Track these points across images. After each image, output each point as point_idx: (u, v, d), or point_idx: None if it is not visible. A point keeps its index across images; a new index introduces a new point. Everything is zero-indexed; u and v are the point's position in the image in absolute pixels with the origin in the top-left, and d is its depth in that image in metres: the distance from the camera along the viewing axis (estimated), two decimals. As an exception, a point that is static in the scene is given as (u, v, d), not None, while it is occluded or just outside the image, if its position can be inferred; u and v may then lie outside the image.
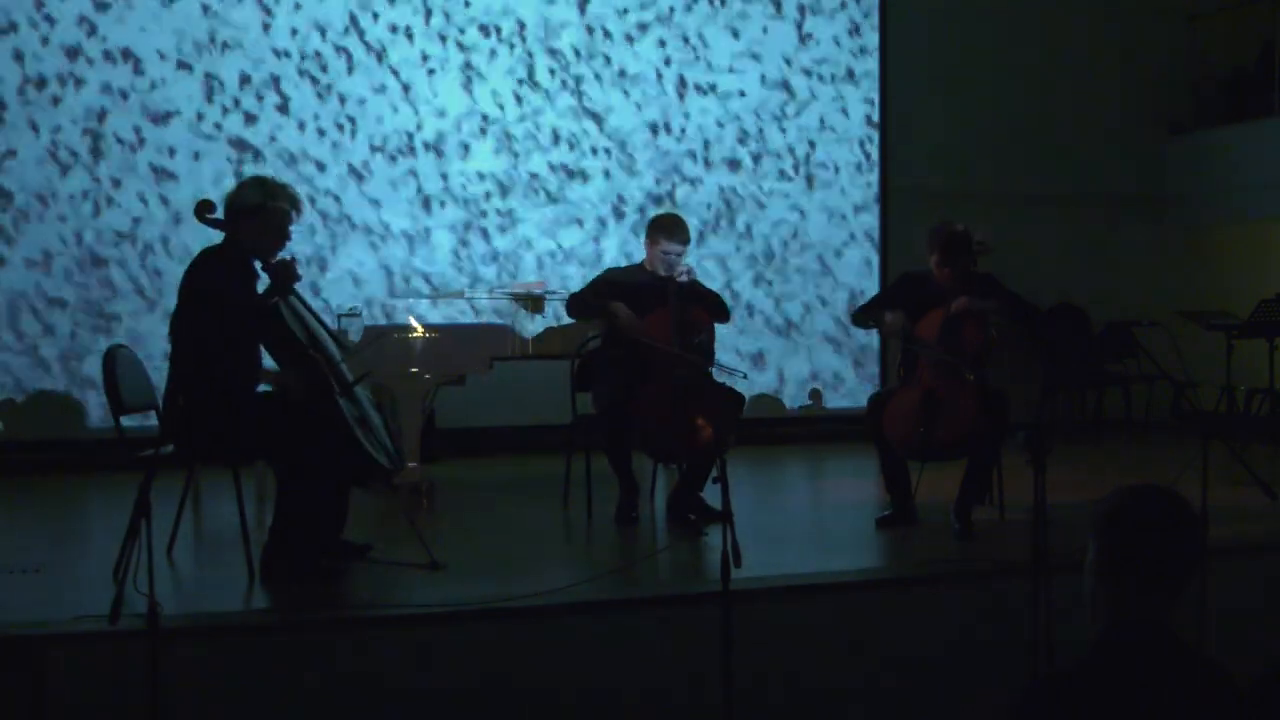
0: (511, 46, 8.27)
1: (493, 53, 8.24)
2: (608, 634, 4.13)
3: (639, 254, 6.23)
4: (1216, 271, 9.88)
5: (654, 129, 8.61)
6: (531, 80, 8.31)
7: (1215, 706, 2.10)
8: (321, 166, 7.89)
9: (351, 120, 7.95)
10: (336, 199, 7.93)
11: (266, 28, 7.79)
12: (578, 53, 8.42)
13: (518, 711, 3.95)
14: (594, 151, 8.46)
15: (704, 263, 8.68)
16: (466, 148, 8.18)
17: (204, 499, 6.06)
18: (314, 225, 7.79)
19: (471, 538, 5.41)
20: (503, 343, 6.27)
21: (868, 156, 9.17)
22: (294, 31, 7.84)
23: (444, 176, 8.13)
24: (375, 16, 7.99)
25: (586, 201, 8.43)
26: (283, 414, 4.49)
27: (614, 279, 5.84)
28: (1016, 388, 5.82)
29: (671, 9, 8.63)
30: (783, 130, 8.94)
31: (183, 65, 7.63)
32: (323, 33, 7.90)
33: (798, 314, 9.00)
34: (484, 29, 8.21)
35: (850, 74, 9.11)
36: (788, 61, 8.94)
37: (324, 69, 7.89)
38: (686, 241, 5.75)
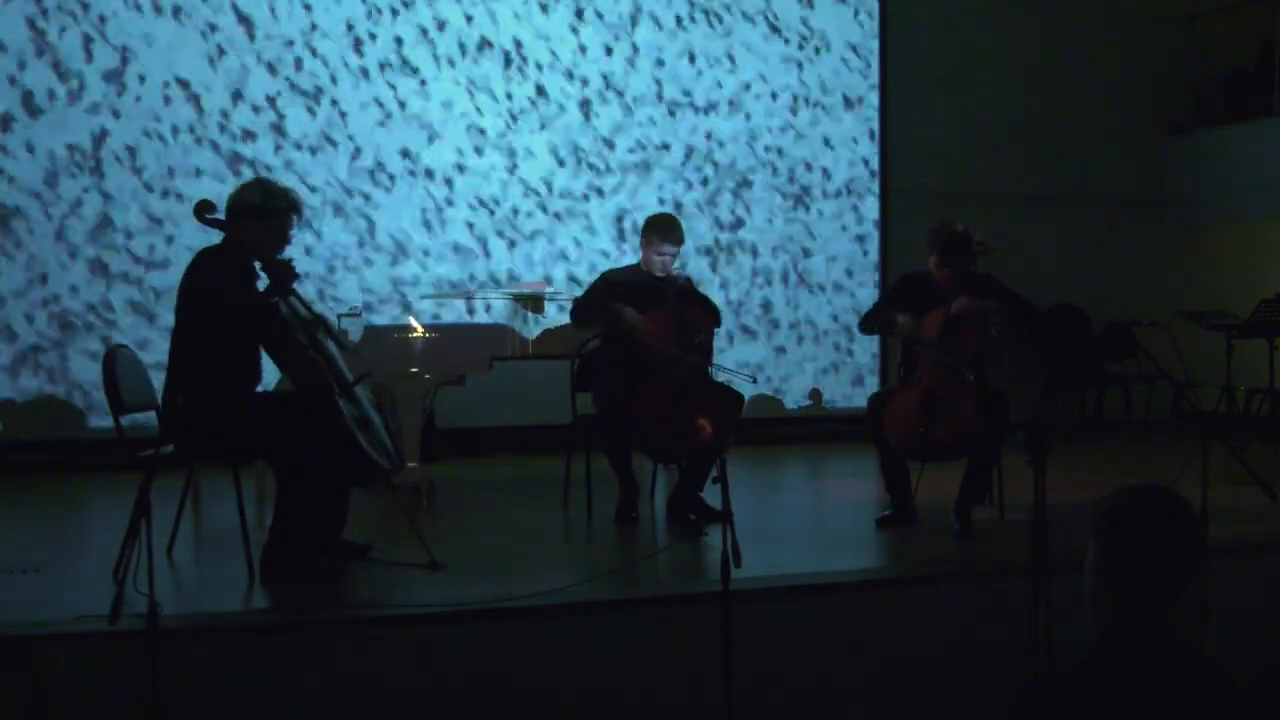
0: (509, 63, 8.27)
1: (490, 65, 8.26)
2: (608, 634, 4.13)
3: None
4: (1216, 271, 9.88)
5: (654, 127, 8.61)
6: (535, 97, 8.32)
7: (1215, 706, 2.10)
8: (320, 168, 7.91)
9: (349, 128, 7.97)
10: (337, 200, 7.94)
11: (270, 38, 7.82)
12: (572, 75, 8.43)
13: (518, 711, 3.95)
14: (593, 158, 8.47)
15: (704, 263, 8.71)
16: (462, 162, 8.19)
17: (204, 499, 6.05)
18: (314, 226, 7.80)
19: (471, 538, 5.41)
20: (503, 343, 6.27)
21: (868, 157, 9.17)
22: (289, 43, 7.86)
23: (448, 182, 8.14)
24: (373, 38, 8.00)
25: (589, 214, 8.44)
26: (283, 414, 4.49)
27: (613, 279, 5.84)
28: (1016, 388, 5.82)
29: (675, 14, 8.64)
30: (782, 130, 8.94)
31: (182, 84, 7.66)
32: (313, 51, 7.91)
33: (798, 313, 9.00)
34: (482, 45, 8.22)
35: (850, 74, 9.11)
36: (787, 61, 8.95)
37: (321, 81, 7.90)
38: (681, 241, 5.76)
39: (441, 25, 8.13)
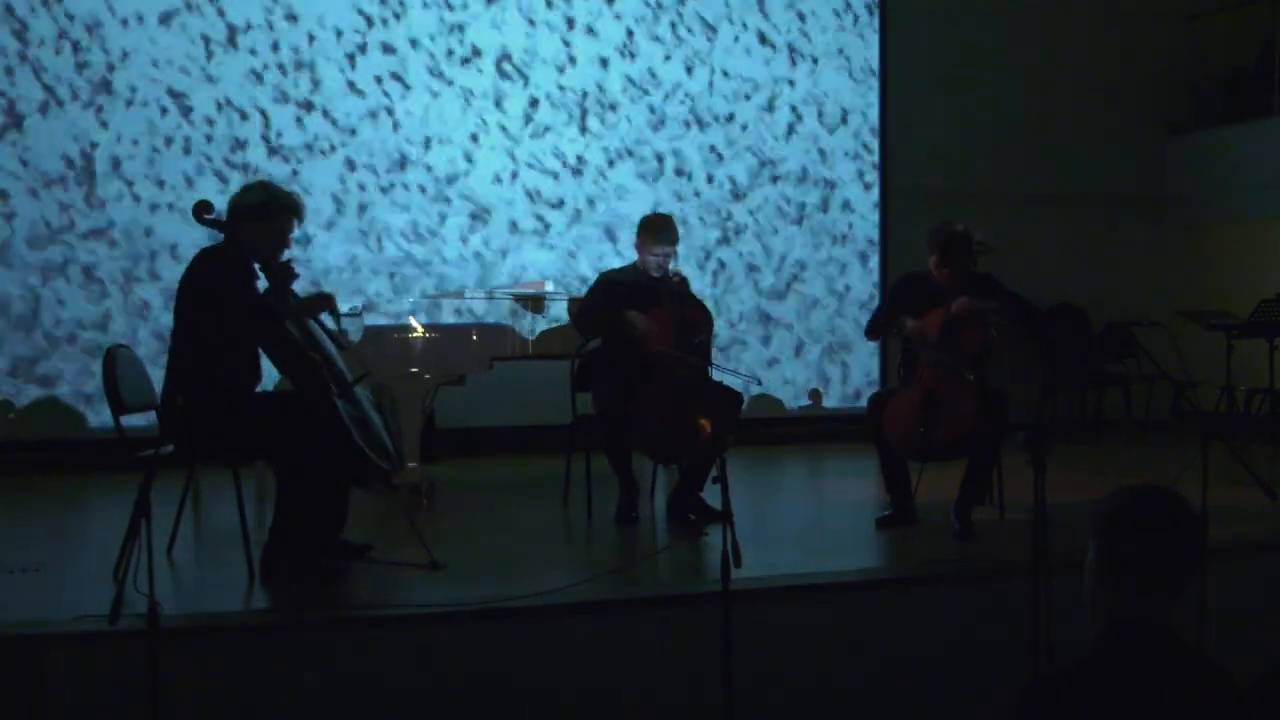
0: (503, 76, 8.27)
1: (489, 76, 8.26)
2: (608, 634, 4.13)
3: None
4: (1216, 271, 9.88)
5: (655, 128, 8.62)
6: (529, 107, 8.33)
7: (1215, 706, 2.10)
8: (323, 171, 7.91)
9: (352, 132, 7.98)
10: (333, 204, 7.94)
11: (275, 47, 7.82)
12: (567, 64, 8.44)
13: (518, 711, 3.95)
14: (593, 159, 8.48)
15: (704, 262, 8.71)
16: (467, 163, 8.19)
17: (204, 499, 6.06)
18: (310, 231, 7.80)
19: (471, 538, 5.41)
20: (503, 343, 6.27)
21: (868, 157, 9.17)
22: (291, 48, 7.86)
23: (448, 181, 8.14)
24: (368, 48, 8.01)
25: (588, 219, 8.45)
26: (283, 414, 4.49)
27: (612, 279, 5.84)
28: (1016, 388, 5.83)
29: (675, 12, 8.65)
30: (782, 130, 8.94)
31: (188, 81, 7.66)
32: (308, 66, 7.91)
33: (797, 313, 9.00)
34: (474, 54, 8.22)
35: (851, 74, 9.11)
36: (787, 62, 8.94)
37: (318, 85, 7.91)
38: (675, 241, 5.75)
39: (433, 36, 8.13)
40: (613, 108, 8.50)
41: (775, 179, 8.92)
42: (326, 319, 4.72)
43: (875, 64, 9.17)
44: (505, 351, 6.27)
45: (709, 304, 6.27)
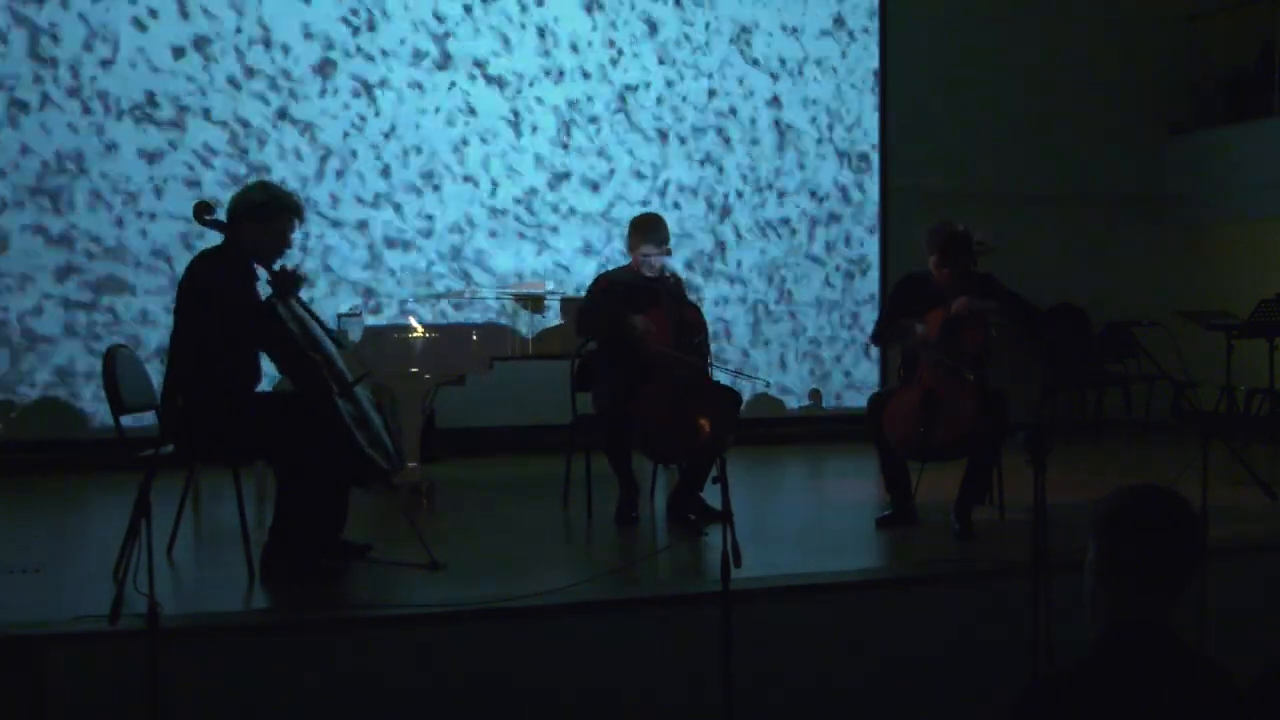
0: (502, 86, 8.28)
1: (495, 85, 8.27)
2: (608, 634, 4.12)
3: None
4: (1216, 271, 9.88)
5: (660, 134, 8.61)
6: (526, 120, 8.34)
7: (1215, 706, 2.10)
8: (328, 170, 7.91)
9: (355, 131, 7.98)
10: (333, 204, 7.94)
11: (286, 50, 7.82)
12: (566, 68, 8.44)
13: (518, 711, 3.95)
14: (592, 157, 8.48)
15: (703, 261, 8.71)
16: (457, 171, 8.20)
17: (204, 499, 6.05)
18: (315, 225, 7.81)
19: (471, 538, 5.41)
20: (503, 343, 6.28)
21: (867, 157, 9.17)
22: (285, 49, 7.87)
23: (441, 185, 8.15)
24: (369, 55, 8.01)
25: (588, 221, 8.45)
26: (283, 414, 4.49)
27: (609, 280, 5.84)
28: (1016, 388, 5.82)
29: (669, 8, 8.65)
30: (782, 129, 8.94)
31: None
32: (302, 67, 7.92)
33: (798, 313, 9.00)
34: (479, 66, 8.24)
35: (851, 74, 9.11)
36: (785, 60, 8.95)
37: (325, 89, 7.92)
38: (667, 240, 5.75)
39: (432, 37, 8.14)
40: (613, 109, 8.51)
41: (774, 177, 8.92)
42: (330, 327, 4.73)
43: (875, 64, 9.17)
44: (505, 351, 6.27)
45: (706, 306, 6.27)
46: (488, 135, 8.23)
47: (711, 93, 8.75)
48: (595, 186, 8.47)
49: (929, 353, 5.36)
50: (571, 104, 8.42)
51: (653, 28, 8.60)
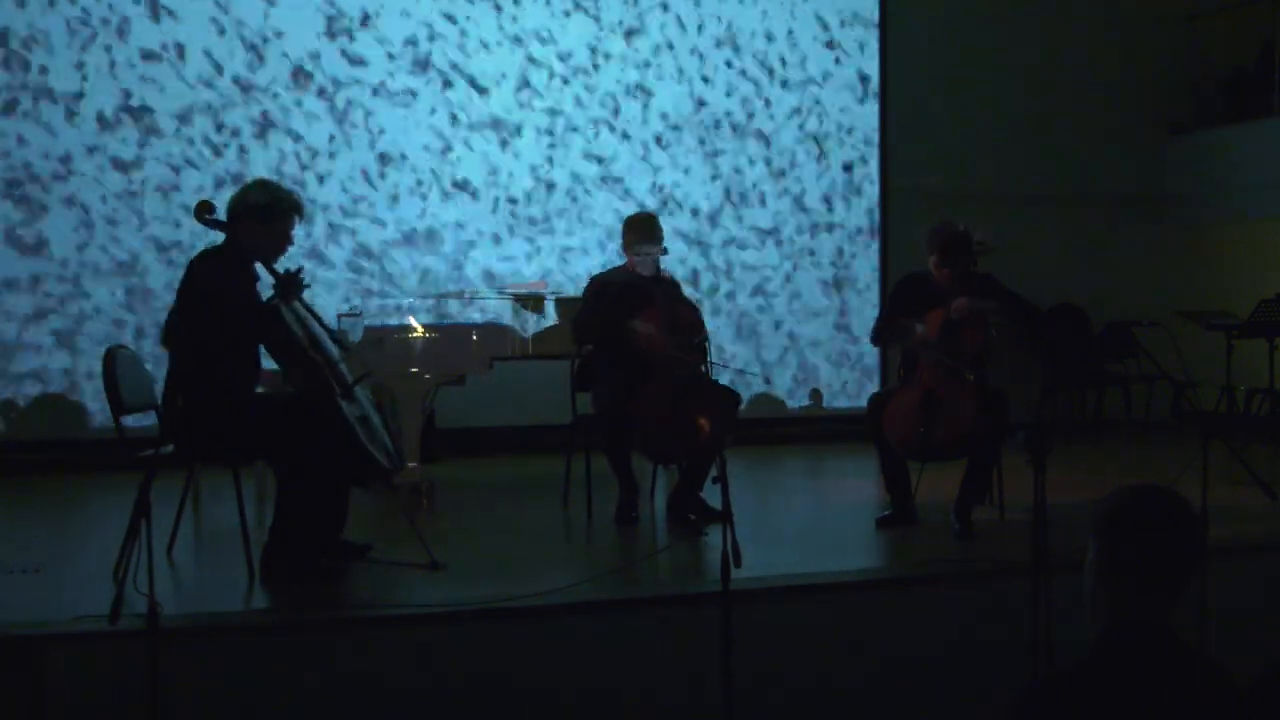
0: (488, 90, 8.29)
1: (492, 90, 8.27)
2: (608, 634, 4.13)
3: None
4: (1216, 271, 9.88)
5: (659, 138, 8.62)
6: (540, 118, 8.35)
7: (1215, 706, 2.10)
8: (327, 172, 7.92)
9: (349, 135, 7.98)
10: (332, 204, 7.95)
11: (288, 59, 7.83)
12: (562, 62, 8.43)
13: (518, 711, 3.95)
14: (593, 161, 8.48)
15: (705, 263, 8.71)
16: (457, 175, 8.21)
17: (204, 499, 6.06)
18: (317, 224, 7.81)
19: (471, 538, 5.41)
20: (503, 343, 6.27)
21: (867, 157, 9.17)
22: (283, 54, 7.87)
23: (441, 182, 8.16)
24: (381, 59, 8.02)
25: (588, 223, 8.45)
26: (283, 414, 4.49)
27: (605, 281, 5.83)
28: (1016, 388, 5.82)
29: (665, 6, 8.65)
30: (782, 130, 8.94)
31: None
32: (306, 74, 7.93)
33: (797, 313, 9.00)
34: (485, 74, 8.24)
35: (850, 74, 9.11)
36: (785, 60, 8.95)
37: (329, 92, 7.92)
38: (661, 239, 5.75)
39: (434, 37, 8.14)
40: (609, 112, 8.51)
41: (773, 176, 8.92)
42: (331, 328, 4.73)
43: (876, 64, 9.17)
44: (505, 351, 6.27)
45: (705, 307, 6.26)
46: (477, 140, 8.23)
47: (701, 102, 8.75)
48: (591, 191, 8.47)
49: (929, 353, 5.36)
50: (570, 107, 8.41)
51: (647, 29, 8.60)
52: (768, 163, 8.90)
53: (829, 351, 9.08)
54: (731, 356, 8.56)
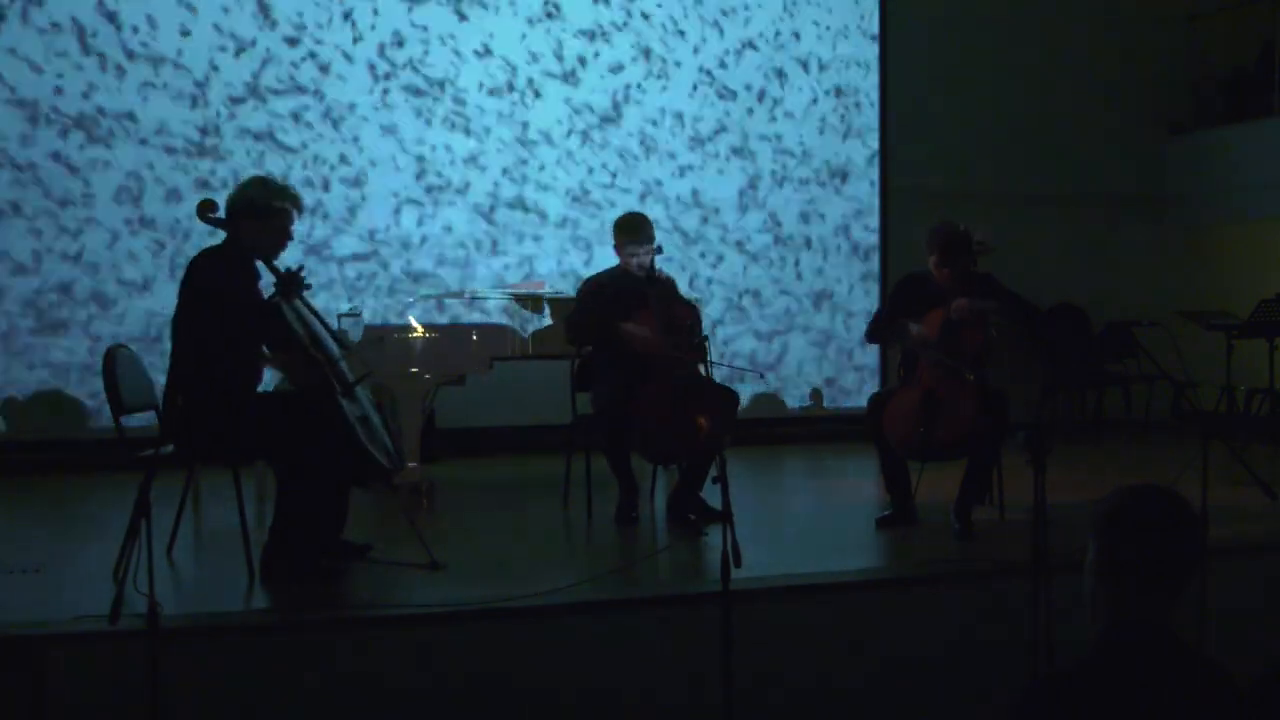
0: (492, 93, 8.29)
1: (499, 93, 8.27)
2: (608, 634, 4.12)
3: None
4: (1216, 271, 9.88)
5: (656, 138, 8.62)
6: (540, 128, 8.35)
7: (1215, 706, 2.10)
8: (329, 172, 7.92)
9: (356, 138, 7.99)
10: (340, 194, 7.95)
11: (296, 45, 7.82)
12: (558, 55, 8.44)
13: (518, 711, 3.95)
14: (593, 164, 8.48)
15: (705, 264, 8.71)
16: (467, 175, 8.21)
17: (204, 499, 6.06)
18: (316, 223, 7.81)
19: (471, 538, 5.41)
20: (503, 343, 6.27)
21: (868, 157, 9.17)
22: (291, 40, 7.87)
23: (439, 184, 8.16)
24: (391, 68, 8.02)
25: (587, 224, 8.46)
26: (283, 414, 4.49)
27: (598, 283, 5.82)
28: (1016, 388, 5.82)
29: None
30: (782, 130, 8.94)
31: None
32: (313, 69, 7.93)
33: (798, 313, 9.00)
34: (481, 85, 8.24)
35: (851, 73, 9.11)
36: (785, 60, 8.95)
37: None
38: (652, 239, 5.72)
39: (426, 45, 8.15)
40: (610, 114, 8.51)
41: (773, 176, 8.92)
42: (332, 327, 4.73)
43: (875, 63, 9.16)
44: (505, 351, 6.27)
45: (702, 307, 6.25)
46: (472, 145, 8.24)
47: (698, 91, 8.76)
48: (589, 195, 8.47)
49: (929, 353, 5.36)
50: (565, 113, 8.42)
51: (646, 30, 8.61)
52: (769, 163, 8.90)
53: (829, 351, 9.08)
54: (733, 356, 8.57)
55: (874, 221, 9.18)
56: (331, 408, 4.45)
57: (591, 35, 8.45)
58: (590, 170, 8.46)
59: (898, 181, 9.18)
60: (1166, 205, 10.06)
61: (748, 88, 8.85)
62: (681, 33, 8.67)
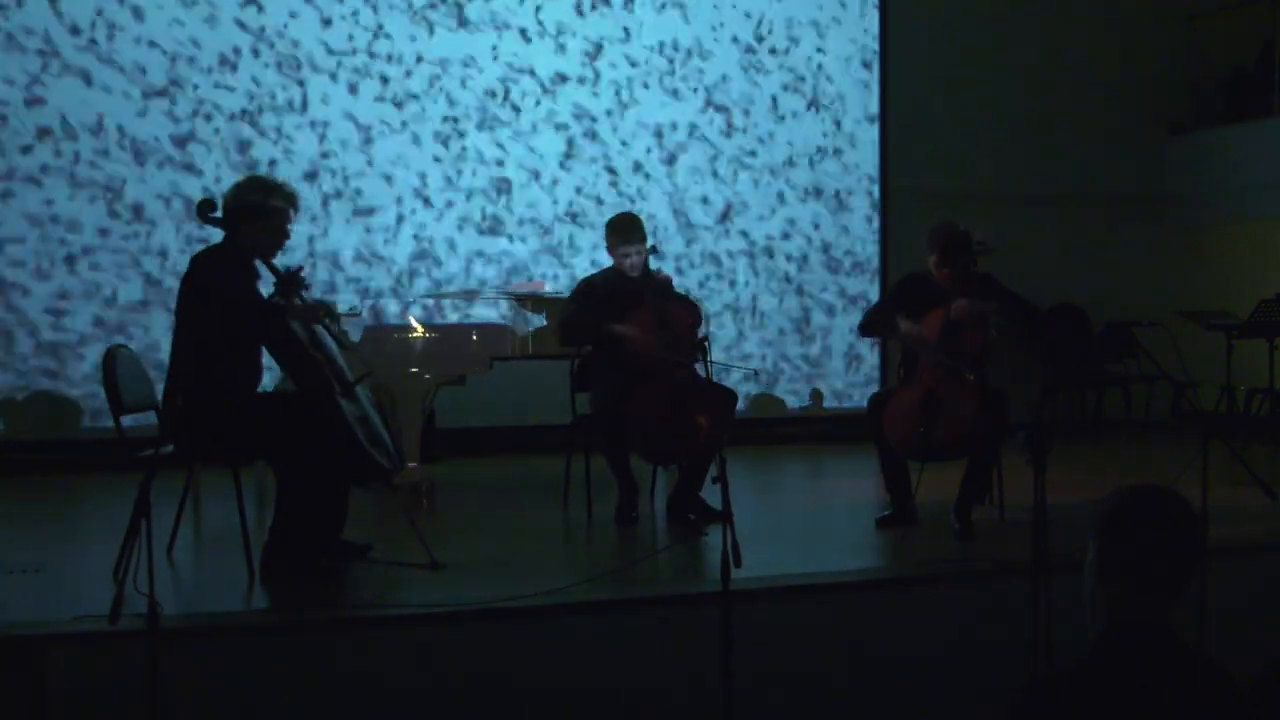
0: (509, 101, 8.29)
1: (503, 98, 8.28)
2: (608, 634, 4.12)
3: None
4: (1216, 271, 9.89)
5: (658, 135, 8.62)
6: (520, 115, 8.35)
7: (1215, 706, 2.10)
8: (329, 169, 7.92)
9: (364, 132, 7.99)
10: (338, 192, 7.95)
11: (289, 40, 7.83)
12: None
13: (518, 711, 3.95)
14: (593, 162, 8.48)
15: (705, 263, 8.71)
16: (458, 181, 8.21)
17: (204, 499, 6.05)
18: (316, 220, 7.81)
19: (471, 538, 5.40)
20: (503, 343, 6.27)
21: (868, 155, 9.17)
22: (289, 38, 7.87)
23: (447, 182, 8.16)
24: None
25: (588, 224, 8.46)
26: (283, 414, 4.49)
27: (592, 284, 5.82)
28: (1016, 388, 5.82)
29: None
30: (782, 130, 8.94)
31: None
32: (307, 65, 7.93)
33: (798, 313, 9.00)
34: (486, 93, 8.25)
35: (851, 73, 9.11)
36: (785, 60, 8.95)
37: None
38: (644, 239, 5.71)
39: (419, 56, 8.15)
40: (610, 115, 8.51)
41: (774, 176, 8.92)
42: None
43: (876, 63, 9.17)
44: (505, 351, 6.27)
45: (703, 307, 6.24)
46: (471, 145, 8.24)
47: (704, 103, 8.76)
48: (587, 199, 8.47)
49: (929, 353, 5.36)
50: (566, 114, 8.42)
51: (642, 35, 8.61)
52: (770, 161, 8.90)
53: (830, 352, 9.08)
54: (737, 356, 8.57)
55: (874, 222, 9.18)
56: (331, 408, 4.45)
57: (588, 40, 8.45)
58: (590, 170, 8.46)
59: (898, 181, 9.18)
60: (1166, 205, 10.06)
61: (748, 88, 8.84)
62: (677, 36, 8.67)
